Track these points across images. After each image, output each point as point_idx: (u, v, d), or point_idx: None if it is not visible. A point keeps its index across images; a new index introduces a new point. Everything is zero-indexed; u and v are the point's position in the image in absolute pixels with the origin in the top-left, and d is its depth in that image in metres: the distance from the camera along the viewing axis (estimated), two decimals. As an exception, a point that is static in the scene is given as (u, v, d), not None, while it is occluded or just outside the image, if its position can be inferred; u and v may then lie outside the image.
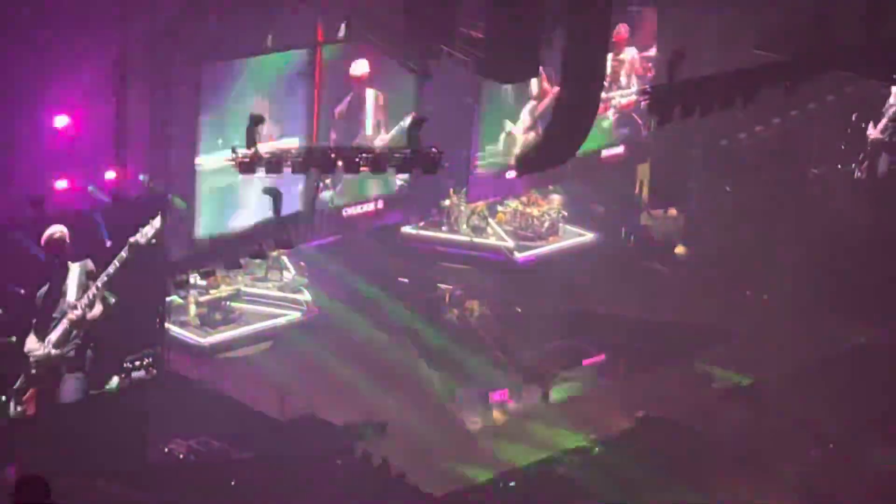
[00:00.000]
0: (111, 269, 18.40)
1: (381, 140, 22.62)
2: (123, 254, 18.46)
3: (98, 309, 18.45)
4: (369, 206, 23.54)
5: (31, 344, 18.08)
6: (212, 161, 20.67)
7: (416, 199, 24.18)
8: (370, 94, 22.77)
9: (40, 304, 18.10)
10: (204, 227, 21.13)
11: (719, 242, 25.69)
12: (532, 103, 24.63)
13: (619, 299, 24.41)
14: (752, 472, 19.86)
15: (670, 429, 20.96)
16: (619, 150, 26.20)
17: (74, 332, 18.36)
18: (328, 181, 22.37)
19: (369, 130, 22.81)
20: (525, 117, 24.69)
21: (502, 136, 24.66)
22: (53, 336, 18.20)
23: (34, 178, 19.00)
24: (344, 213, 23.19)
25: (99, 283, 18.37)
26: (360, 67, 22.50)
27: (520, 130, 24.67)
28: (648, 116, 20.21)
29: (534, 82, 24.08)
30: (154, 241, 18.64)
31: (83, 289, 18.33)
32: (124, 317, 18.79)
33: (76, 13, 18.55)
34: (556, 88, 22.75)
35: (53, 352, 18.22)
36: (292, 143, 21.32)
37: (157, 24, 19.33)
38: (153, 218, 18.70)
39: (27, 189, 18.74)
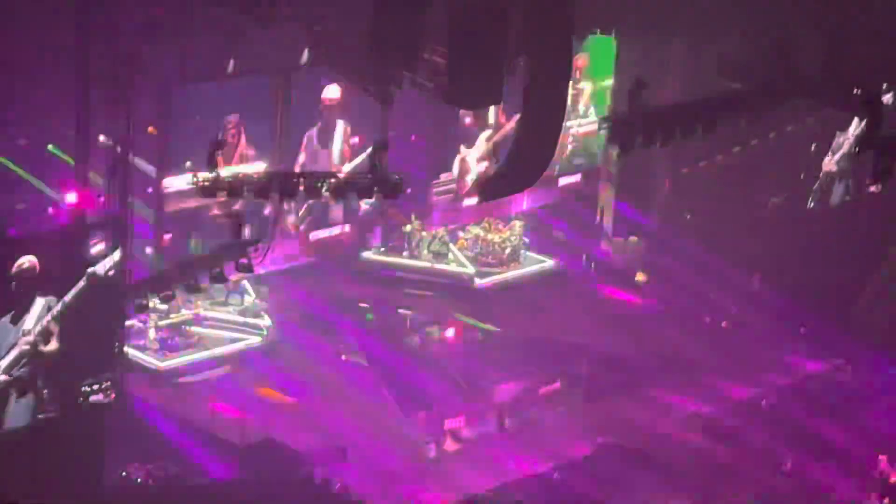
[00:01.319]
0: (67, 300, 18.19)
1: (347, 169, 22.67)
2: (81, 283, 18.30)
3: (53, 345, 18.25)
4: (335, 231, 23.58)
5: (-20, 373, 17.94)
6: (179, 183, 20.65)
7: (379, 224, 24.25)
8: (340, 124, 22.86)
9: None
10: (174, 249, 21.13)
11: (679, 270, 25.74)
12: (488, 132, 24.72)
13: (579, 326, 24.44)
14: (709, 500, 19.89)
15: (629, 456, 20.97)
16: (577, 178, 26.33)
17: (25, 359, 18.18)
18: (293, 205, 22.41)
19: (336, 160, 22.86)
20: (481, 145, 24.78)
21: (456, 162, 24.75)
22: (4, 362, 18.01)
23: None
24: (310, 238, 23.22)
25: (55, 312, 18.17)
26: (331, 92, 22.61)
27: (474, 158, 24.76)
28: (609, 145, 20.30)
29: (491, 111, 24.20)
30: (112, 271, 18.52)
31: (41, 321, 18.15)
32: (81, 342, 18.65)
33: (36, 35, 18.52)
34: (514, 119, 22.92)
35: (1, 378, 18.04)
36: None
37: (116, 48, 19.28)
38: (114, 246, 18.59)
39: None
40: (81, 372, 18.87)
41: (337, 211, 23.35)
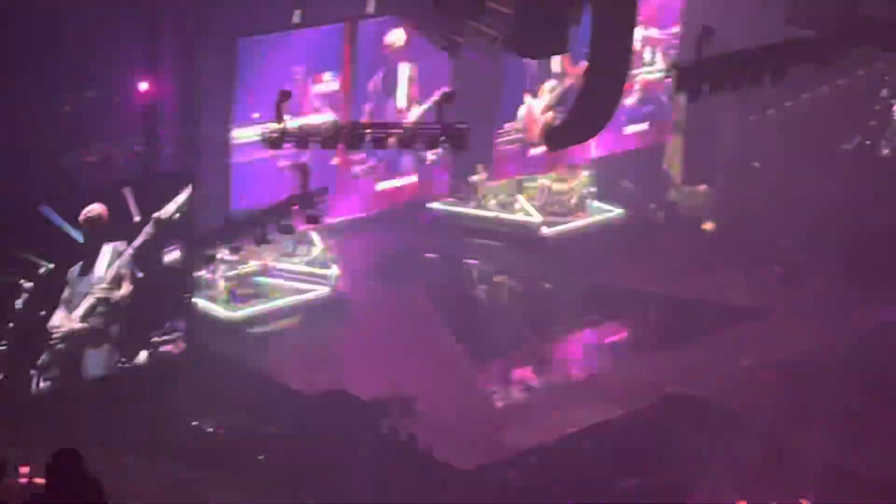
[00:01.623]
0: (136, 244, 18.46)
1: (414, 115, 22.66)
2: (148, 229, 18.53)
3: (126, 289, 18.52)
4: (403, 181, 23.61)
5: (57, 319, 18.16)
6: (247, 135, 20.72)
7: (446, 175, 24.23)
8: (403, 67, 22.81)
9: (71, 282, 18.18)
10: (238, 201, 21.25)
11: (747, 218, 25.61)
12: (552, 82, 24.60)
13: (646, 275, 24.39)
14: (777, 451, 19.80)
15: (697, 406, 20.92)
16: (644, 126, 26.20)
17: (100, 307, 18.44)
18: (360, 156, 22.44)
19: (402, 104, 22.85)
20: (546, 95, 24.67)
21: (521, 113, 24.66)
22: (80, 311, 18.28)
23: (61, 153, 19.13)
24: (378, 188, 23.27)
25: (124, 260, 18.42)
26: (395, 37, 22.54)
27: (539, 107, 24.66)
28: (676, 93, 20.18)
29: (556, 60, 24.08)
30: (178, 216, 18.68)
31: (112, 267, 18.39)
32: (152, 292, 18.87)
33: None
34: (578, 68, 22.84)
35: (77, 326, 18.29)
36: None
37: (184, 2, 19.38)
38: (177, 191, 18.77)
39: (55, 164, 18.88)
40: (152, 322, 19.08)
41: (405, 161, 23.35)
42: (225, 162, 21.29)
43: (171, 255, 19.06)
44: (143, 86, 19.36)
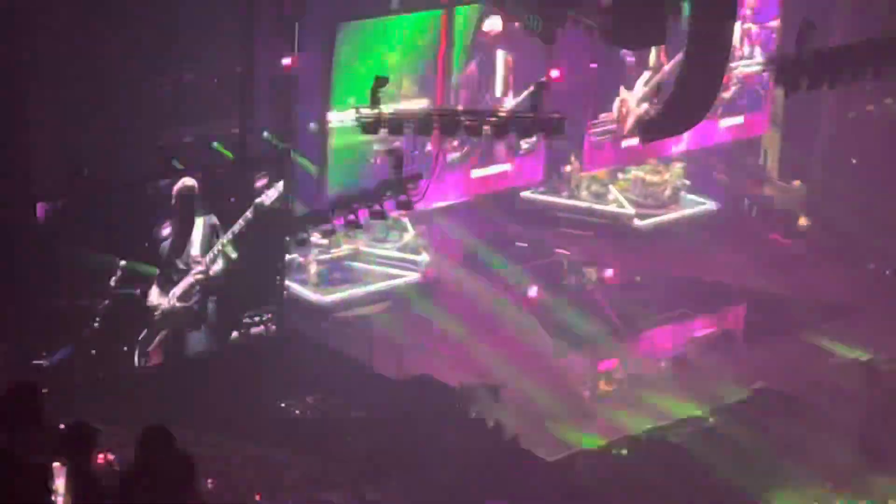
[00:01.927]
0: (236, 228, 18.64)
1: (510, 103, 22.64)
2: (249, 214, 18.70)
3: (220, 265, 18.70)
4: (497, 169, 23.61)
5: (154, 297, 18.37)
6: (342, 119, 20.81)
7: (540, 164, 24.20)
8: (500, 55, 22.79)
9: (165, 257, 18.38)
10: (333, 184, 21.35)
11: (843, 215, 25.34)
12: (647, 74, 24.47)
13: (739, 270, 24.20)
14: (868, 449, 19.61)
15: (786, 402, 20.76)
16: (740, 120, 26.00)
17: (198, 286, 18.63)
18: (455, 143, 22.47)
19: (498, 93, 22.83)
20: (640, 87, 24.55)
21: (616, 104, 24.54)
22: (178, 290, 18.47)
23: (157, 134, 19.32)
24: (472, 175, 23.29)
25: (224, 240, 18.61)
26: (492, 24, 22.52)
27: (634, 99, 24.53)
28: (775, 87, 20.02)
29: (652, 52, 23.96)
30: (278, 203, 18.86)
31: (207, 243, 18.58)
32: (245, 273, 19.03)
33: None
34: (673, 61, 22.72)
35: (178, 305, 18.51)
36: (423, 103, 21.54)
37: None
38: (277, 178, 18.91)
39: (154, 142, 19.08)
40: (245, 302, 19.25)
41: (499, 149, 23.33)
42: (321, 146, 21.40)
43: (266, 239, 19.24)
44: (241, 68, 19.51)
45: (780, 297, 23.72)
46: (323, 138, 21.38)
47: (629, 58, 24.40)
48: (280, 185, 18.97)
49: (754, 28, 25.36)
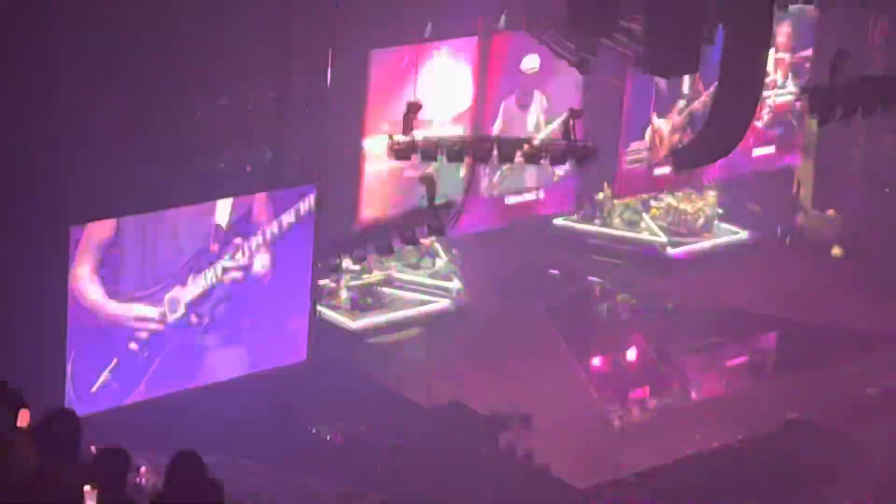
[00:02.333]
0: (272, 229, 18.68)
1: (544, 132, 22.66)
2: (275, 229, 18.76)
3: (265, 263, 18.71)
4: (529, 196, 23.62)
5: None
6: (377, 145, 20.86)
7: (572, 191, 24.20)
8: (537, 95, 22.82)
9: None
10: (367, 210, 21.40)
11: (877, 245, 25.23)
12: (681, 103, 24.44)
13: (771, 299, 24.11)
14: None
15: (820, 433, 20.64)
16: (772, 149, 25.94)
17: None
18: (488, 170, 22.49)
19: (531, 129, 22.85)
20: (674, 114, 24.53)
21: (648, 133, 24.53)
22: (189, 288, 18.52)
23: (193, 158, 19.41)
24: (505, 202, 23.31)
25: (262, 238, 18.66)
26: (531, 62, 22.57)
27: (667, 128, 24.51)
28: (808, 116, 19.98)
29: (686, 80, 23.94)
30: (298, 223, 18.88)
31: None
32: (276, 295, 19.07)
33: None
34: (710, 89, 22.70)
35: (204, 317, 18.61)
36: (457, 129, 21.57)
37: (318, 12, 19.55)
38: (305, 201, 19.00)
39: (187, 169, 19.16)
40: (274, 326, 19.29)
41: (531, 176, 23.35)
42: (355, 171, 21.45)
43: (294, 261, 19.29)
44: (275, 93, 19.59)
45: (813, 327, 23.60)
46: (357, 164, 21.43)
47: (662, 86, 24.41)
48: (303, 203, 19.01)
49: (787, 57, 25.32)
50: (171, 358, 18.58)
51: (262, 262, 18.93)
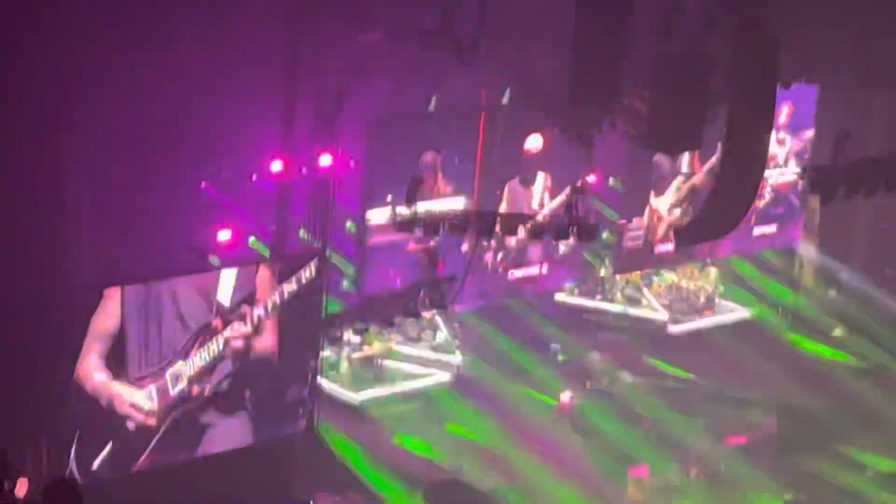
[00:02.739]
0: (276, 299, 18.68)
1: (547, 206, 22.72)
2: (276, 299, 18.75)
3: (270, 339, 18.63)
4: (533, 271, 23.64)
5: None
6: (380, 216, 20.90)
7: (576, 266, 24.21)
8: (541, 176, 22.90)
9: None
10: (370, 282, 21.40)
11: (878, 326, 25.22)
12: (679, 179, 24.48)
13: (772, 379, 24.06)
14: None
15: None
16: (773, 228, 25.97)
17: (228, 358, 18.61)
18: (492, 243, 22.51)
19: (535, 205, 22.91)
20: (673, 192, 24.56)
21: (647, 210, 24.56)
22: (192, 361, 18.47)
23: (194, 229, 19.44)
24: (509, 276, 23.31)
25: (265, 307, 18.69)
26: (534, 142, 22.65)
27: (666, 205, 24.54)
28: (810, 196, 20.05)
29: (685, 158, 24.01)
30: (298, 294, 18.84)
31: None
32: (277, 366, 19.04)
33: (245, 70, 18.94)
34: (707, 166, 22.81)
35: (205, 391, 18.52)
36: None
37: (324, 84, 19.66)
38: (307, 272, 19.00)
39: (188, 240, 19.17)
40: (278, 395, 19.23)
41: (535, 251, 23.38)
42: (358, 244, 21.47)
43: (296, 332, 19.27)
44: (278, 166, 19.65)
45: (814, 408, 23.53)
46: (361, 236, 21.46)
47: (662, 164, 24.41)
48: (301, 274, 19.00)
49: (789, 137, 25.41)
50: (174, 430, 18.51)
51: (263, 333, 18.89)
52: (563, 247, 23.23)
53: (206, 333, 18.52)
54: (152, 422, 18.21)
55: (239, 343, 18.66)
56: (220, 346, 18.57)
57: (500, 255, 23.16)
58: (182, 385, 18.40)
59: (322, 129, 19.88)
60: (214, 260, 19.06)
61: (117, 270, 18.28)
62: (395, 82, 20.41)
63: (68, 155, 17.77)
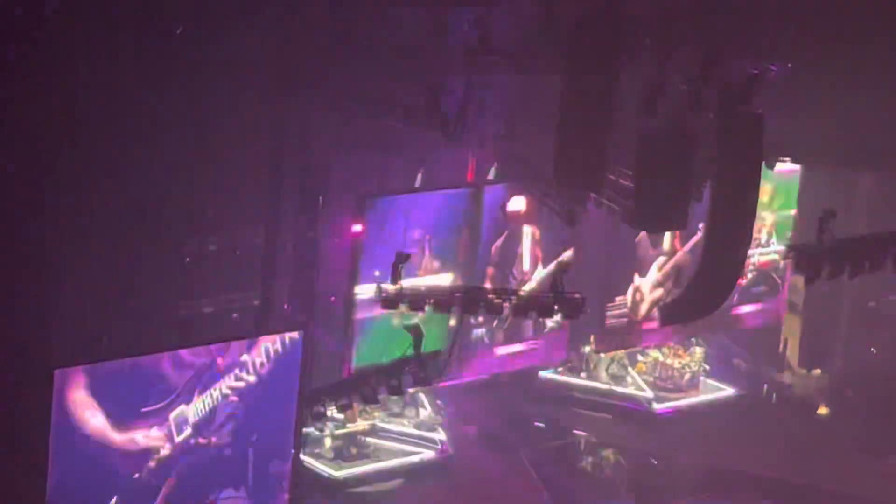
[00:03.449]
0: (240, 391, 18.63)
1: (536, 278, 22.69)
2: (260, 373, 18.71)
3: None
4: (519, 347, 23.59)
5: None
6: (366, 291, 20.87)
7: (564, 343, 24.18)
8: (526, 230, 22.94)
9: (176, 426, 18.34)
10: (359, 359, 21.34)
11: (864, 405, 25.18)
12: (662, 259, 24.50)
13: (757, 458, 23.98)
14: None
15: None
16: (756, 307, 25.97)
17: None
18: (481, 318, 22.47)
19: (526, 266, 22.92)
20: (655, 271, 24.56)
21: (630, 289, 24.54)
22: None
23: (180, 300, 19.41)
24: (495, 353, 23.27)
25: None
26: (517, 204, 22.70)
27: (648, 285, 24.55)
28: (794, 274, 20.08)
29: (667, 238, 24.06)
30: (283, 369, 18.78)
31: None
32: (258, 440, 18.94)
33: (231, 146, 19.02)
34: (689, 244, 22.87)
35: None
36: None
37: (309, 160, 19.75)
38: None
39: (173, 312, 19.13)
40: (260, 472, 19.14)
41: (525, 326, 23.34)
42: (345, 319, 21.41)
43: (277, 408, 19.19)
44: (261, 239, 19.69)
45: (800, 487, 23.44)
46: (347, 311, 21.39)
47: (642, 245, 24.36)
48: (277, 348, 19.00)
49: (770, 216, 25.45)
50: (181, 480, 18.47)
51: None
52: (551, 322, 23.18)
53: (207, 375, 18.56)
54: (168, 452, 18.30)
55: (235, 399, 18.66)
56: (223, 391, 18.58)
57: (489, 330, 23.12)
58: (187, 432, 18.40)
59: (308, 203, 19.92)
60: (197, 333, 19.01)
61: (100, 346, 18.25)
62: (381, 159, 20.51)
63: (52, 229, 17.76)
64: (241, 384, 18.68)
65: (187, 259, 19.86)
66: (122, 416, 17.73)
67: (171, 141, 18.31)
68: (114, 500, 17.96)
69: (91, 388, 17.38)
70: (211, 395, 18.48)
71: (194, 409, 18.39)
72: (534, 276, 22.83)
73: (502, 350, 23.49)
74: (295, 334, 19.06)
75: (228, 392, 18.60)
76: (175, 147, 18.43)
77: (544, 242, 22.97)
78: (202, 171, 19.00)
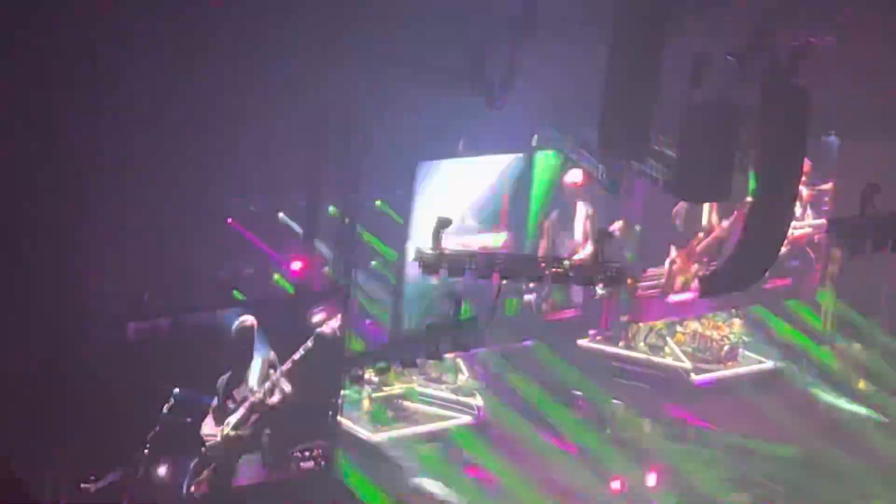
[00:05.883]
0: (295, 357, 18.68)
1: (586, 250, 22.65)
2: (309, 343, 18.74)
3: (277, 396, 18.72)
4: (570, 313, 23.56)
5: (209, 427, 18.39)
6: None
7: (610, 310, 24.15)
8: (581, 206, 22.84)
9: (221, 391, 18.43)
10: (396, 323, 21.38)
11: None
12: (700, 235, 24.33)
13: (795, 431, 23.92)
14: None
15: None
16: (788, 281, 25.78)
17: (253, 416, 18.64)
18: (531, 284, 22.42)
19: (578, 237, 22.84)
20: (692, 248, 24.41)
21: (667, 262, 24.42)
22: (233, 419, 18.49)
23: (219, 265, 19.48)
24: (546, 318, 23.23)
25: (280, 371, 18.65)
26: (574, 176, 22.62)
27: (683, 258, 24.42)
28: (836, 248, 19.99)
29: (705, 211, 23.90)
30: (338, 333, 18.88)
31: (264, 377, 18.62)
32: (300, 406, 19.01)
33: (274, 107, 19.03)
34: (730, 219, 22.74)
35: (232, 433, 18.50)
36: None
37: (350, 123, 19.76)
38: (335, 312, 18.96)
39: (213, 276, 19.21)
40: (298, 435, 19.20)
41: (574, 293, 23.29)
42: (397, 278, 21.44)
43: (322, 373, 19.25)
44: (304, 202, 19.72)
45: (838, 462, 23.37)
46: (400, 270, 21.42)
47: (678, 219, 24.21)
48: (341, 316, 19.02)
49: (806, 189, 25.25)
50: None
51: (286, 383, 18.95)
52: (600, 290, 23.05)
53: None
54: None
55: (260, 402, 18.76)
56: (247, 410, 18.71)
57: (543, 296, 23.08)
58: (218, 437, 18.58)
59: (348, 167, 19.95)
60: (238, 295, 19.07)
61: (141, 304, 18.34)
62: (427, 123, 20.49)
63: (95, 189, 17.84)
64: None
65: (229, 220, 19.91)
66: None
67: (216, 103, 18.34)
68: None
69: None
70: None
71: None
72: (585, 249, 22.78)
73: (550, 316, 23.44)
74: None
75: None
76: (219, 109, 18.46)
77: (599, 220, 22.86)
78: (243, 130, 19.04)
